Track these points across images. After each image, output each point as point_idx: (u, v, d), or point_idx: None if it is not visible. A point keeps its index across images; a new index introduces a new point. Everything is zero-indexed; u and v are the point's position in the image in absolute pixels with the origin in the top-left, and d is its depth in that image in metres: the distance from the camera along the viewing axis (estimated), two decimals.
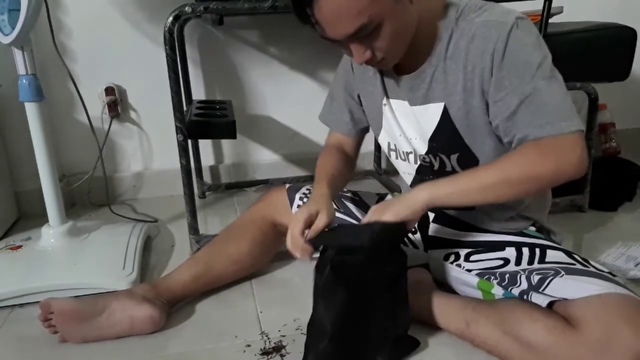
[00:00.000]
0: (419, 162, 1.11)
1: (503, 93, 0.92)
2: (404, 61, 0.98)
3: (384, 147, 1.18)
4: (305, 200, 1.27)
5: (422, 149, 1.07)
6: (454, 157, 1.04)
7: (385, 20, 0.87)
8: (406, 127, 1.09)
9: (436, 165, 1.08)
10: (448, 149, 1.04)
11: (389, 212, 0.94)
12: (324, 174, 1.13)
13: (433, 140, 1.04)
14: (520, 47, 0.90)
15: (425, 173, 1.12)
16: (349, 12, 0.84)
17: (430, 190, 0.95)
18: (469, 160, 1.03)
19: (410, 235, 1.22)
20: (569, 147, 0.88)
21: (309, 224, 1.01)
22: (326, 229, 1.01)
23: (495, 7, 0.95)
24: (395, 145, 1.14)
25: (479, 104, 0.96)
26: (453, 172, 1.05)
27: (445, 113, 1.00)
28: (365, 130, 1.25)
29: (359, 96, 1.18)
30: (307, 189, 1.30)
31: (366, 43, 0.90)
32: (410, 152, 1.11)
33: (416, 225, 1.22)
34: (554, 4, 1.32)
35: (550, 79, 0.90)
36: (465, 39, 0.94)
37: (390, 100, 1.09)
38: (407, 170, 1.16)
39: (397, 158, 1.16)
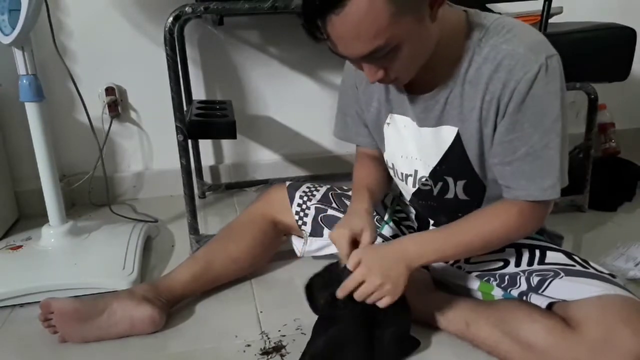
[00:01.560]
0: (417, 186, 1.07)
1: (513, 136, 0.88)
2: (417, 79, 0.91)
3: (386, 163, 1.14)
4: (305, 199, 1.26)
5: (425, 171, 1.04)
6: (460, 183, 1.01)
7: (403, 42, 0.80)
8: (410, 146, 1.04)
9: (436, 191, 1.05)
10: (456, 174, 1.01)
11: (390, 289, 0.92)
12: (362, 187, 1.09)
13: (442, 163, 1.00)
14: (543, 94, 0.85)
15: (422, 197, 1.09)
16: (366, 33, 0.77)
17: (420, 255, 0.95)
18: (475, 188, 1.01)
19: None
20: (549, 208, 0.95)
21: (353, 243, 0.98)
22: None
23: (523, 32, 0.88)
24: (393, 164, 1.10)
25: (489, 133, 0.92)
26: (455, 199, 1.03)
27: (457, 138, 0.96)
28: None
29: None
30: (307, 187, 1.30)
31: (380, 63, 0.84)
32: (410, 175, 1.07)
33: (416, 228, 1.23)
34: (553, 4, 1.32)
35: (563, 135, 0.87)
36: (489, 66, 0.87)
37: (395, 115, 1.04)
38: (405, 189, 1.13)
39: (395, 176, 1.13)
